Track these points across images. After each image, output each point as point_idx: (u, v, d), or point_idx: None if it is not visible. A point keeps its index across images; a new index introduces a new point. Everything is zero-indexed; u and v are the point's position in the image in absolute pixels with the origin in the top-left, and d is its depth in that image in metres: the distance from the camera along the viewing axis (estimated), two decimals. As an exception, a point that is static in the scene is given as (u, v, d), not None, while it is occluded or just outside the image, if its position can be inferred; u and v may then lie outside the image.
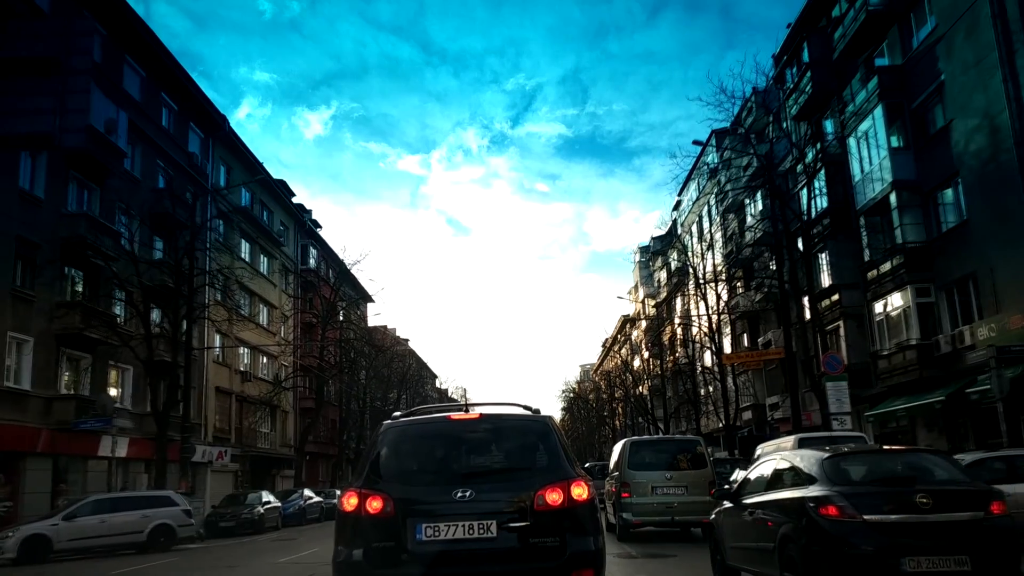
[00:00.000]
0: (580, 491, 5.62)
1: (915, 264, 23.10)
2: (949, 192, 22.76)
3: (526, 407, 6.58)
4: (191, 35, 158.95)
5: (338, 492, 25.85)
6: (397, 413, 6.73)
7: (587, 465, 35.14)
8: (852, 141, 26.50)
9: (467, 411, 6.40)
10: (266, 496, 27.70)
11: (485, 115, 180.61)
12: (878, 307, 25.27)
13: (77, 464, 25.71)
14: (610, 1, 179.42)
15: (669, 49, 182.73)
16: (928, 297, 23.03)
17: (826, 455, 7.49)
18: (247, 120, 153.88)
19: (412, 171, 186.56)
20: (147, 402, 27.81)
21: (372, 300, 58.53)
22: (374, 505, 5.55)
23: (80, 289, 26.57)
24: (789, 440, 15.56)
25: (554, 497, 5.52)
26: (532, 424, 6.20)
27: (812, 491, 6.97)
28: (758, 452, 16.47)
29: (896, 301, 24.07)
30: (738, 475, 15.91)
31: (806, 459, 7.66)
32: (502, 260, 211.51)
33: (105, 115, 26.81)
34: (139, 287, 25.03)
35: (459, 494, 5.50)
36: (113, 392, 28.31)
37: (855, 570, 6.38)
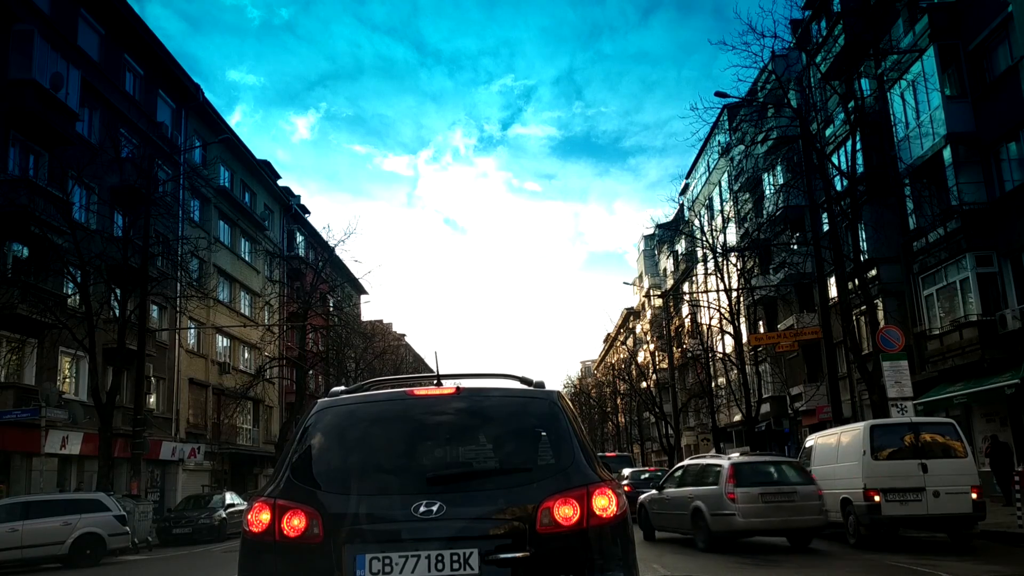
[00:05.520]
0: (605, 502, 3.80)
1: (974, 229, 20.11)
2: (1014, 146, 19.77)
3: (524, 379, 4.66)
4: (186, 37, 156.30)
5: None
6: (338, 388, 4.63)
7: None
8: (894, 96, 23.48)
9: (439, 384, 4.46)
10: (231, 498, 24.52)
11: (480, 115, 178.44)
12: (927, 281, 22.25)
13: (19, 461, 22.69)
14: (603, 2, 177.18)
15: (662, 49, 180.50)
16: (990, 267, 20.05)
17: (631, 470, 26.81)
18: (242, 122, 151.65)
19: (408, 171, 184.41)
20: (104, 393, 24.78)
21: (365, 292, 55.82)
22: (295, 524, 3.70)
23: (28, 266, 23.52)
24: (859, 427, 13.09)
25: (566, 512, 3.72)
26: (532, 403, 4.29)
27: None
28: (809, 444, 15.36)
29: (951, 273, 21.06)
30: None
31: (628, 472, 25.24)
32: (500, 259, 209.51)
33: (51, 69, 23.93)
34: (86, 263, 21.96)
35: (423, 508, 3.66)
36: (66, 382, 25.34)
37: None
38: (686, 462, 16.02)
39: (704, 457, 16.01)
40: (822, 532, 13.12)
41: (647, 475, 23.95)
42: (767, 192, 35.47)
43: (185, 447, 32.39)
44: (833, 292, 25.27)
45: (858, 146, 21.39)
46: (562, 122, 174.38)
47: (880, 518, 12.16)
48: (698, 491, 13.61)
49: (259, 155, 45.18)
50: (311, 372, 39.34)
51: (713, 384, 40.97)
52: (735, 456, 14.25)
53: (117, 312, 23.91)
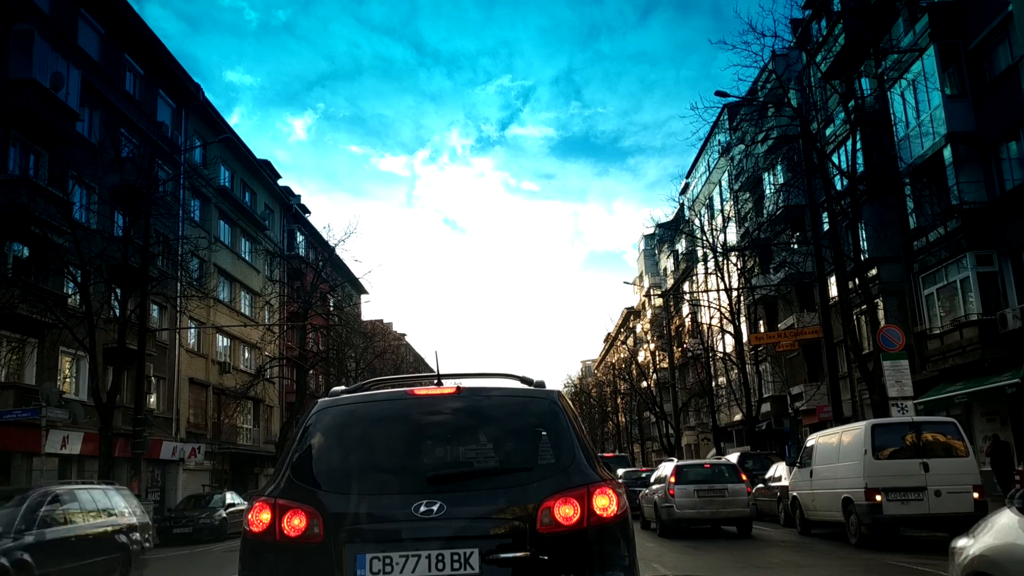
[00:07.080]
0: (606, 502, 3.80)
1: (975, 228, 20.11)
2: (1014, 145, 19.76)
3: (524, 379, 4.68)
4: (184, 37, 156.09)
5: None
6: (339, 388, 4.66)
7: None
8: (894, 95, 23.48)
9: (439, 384, 4.48)
10: (231, 497, 24.52)
11: (479, 115, 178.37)
12: (927, 280, 22.25)
13: (19, 461, 22.68)
14: (601, 2, 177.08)
15: (661, 49, 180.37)
16: (991, 266, 20.04)
17: (626, 470, 27.00)
18: (241, 123, 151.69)
19: (405, 171, 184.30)
20: (105, 393, 24.76)
21: (366, 291, 55.79)
22: (295, 524, 3.72)
23: (28, 266, 23.52)
24: (860, 426, 13.08)
25: (567, 512, 3.72)
26: (532, 403, 4.30)
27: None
28: (810, 443, 15.40)
29: (951, 272, 21.05)
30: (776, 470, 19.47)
31: (622, 472, 24.72)
32: (499, 259, 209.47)
33: (51, 69, 23.92)
34: (86, 263, 21.93)
35: (424, 507, 3.66)
36: (66, 382, 25.33)
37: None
38: (663, 464, 19.94)
39: (673, 461, 20.35)
40: (753, 520, 16.29)
41: (644, 475, 24.78)
42: (767, 191, 35.46)
43: (185, 447, 32.37)
44: (833, 292, 25.27)
45: (858, 145, 21.39)
46: (560, 122, 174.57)
47: (881, 518, 12.14)
48: (657, 487, 17.43)
49: (258, 155, 45.17)
50: (311, 372, 39.32)
51: (713, 384, 40.97)
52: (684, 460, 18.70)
53: (117, 312, 23.87)
